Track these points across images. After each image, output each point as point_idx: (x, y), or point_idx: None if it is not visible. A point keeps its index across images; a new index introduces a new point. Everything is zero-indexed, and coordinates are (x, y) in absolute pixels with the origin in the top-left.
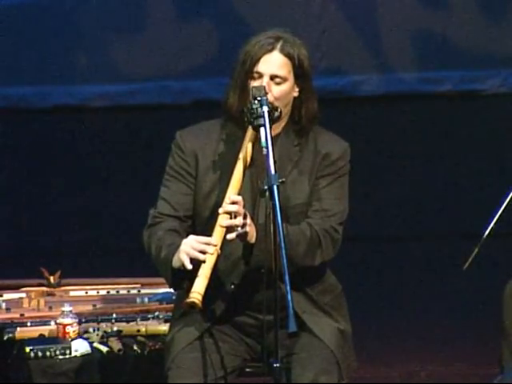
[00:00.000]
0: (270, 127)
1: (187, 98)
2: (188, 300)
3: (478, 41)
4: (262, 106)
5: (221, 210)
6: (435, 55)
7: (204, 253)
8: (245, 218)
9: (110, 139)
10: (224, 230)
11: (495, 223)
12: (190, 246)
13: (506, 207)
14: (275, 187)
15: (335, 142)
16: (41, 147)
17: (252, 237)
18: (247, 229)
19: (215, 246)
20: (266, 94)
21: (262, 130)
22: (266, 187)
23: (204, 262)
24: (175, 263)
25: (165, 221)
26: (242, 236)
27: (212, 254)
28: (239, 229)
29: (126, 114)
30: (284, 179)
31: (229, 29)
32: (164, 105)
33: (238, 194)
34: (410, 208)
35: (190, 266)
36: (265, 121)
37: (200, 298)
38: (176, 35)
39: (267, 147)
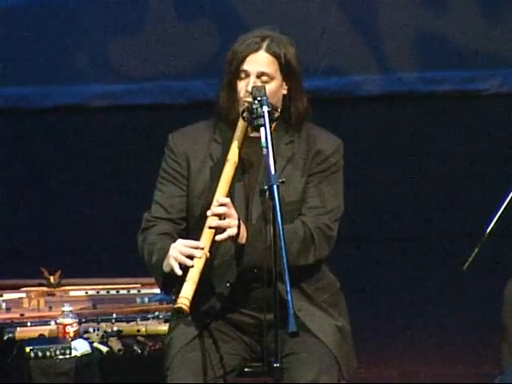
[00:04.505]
0: (270, 127)
1: (187, 98)
2: (175, 306)
3: (478, 41)
4: (261, 106)
5: (209, 213)
6: (435, 55)
7: (192, 257)
8: (234, 219)
9: (110, 139)
10: (213, 232)
11: (495, 223)
12: (178, 251)
13: (506, 207)
14: (275, 187)
15: (327, 138)
16: (41, 147)
17: (242, 237)
18: (235, 230)
19: (203, 249)
20: (266, 93)
21: (262, 129)
22: (266, 187)
23: (192, 266)
24: (165, 267)
25: (157, 224)
26: (232, 237)
27: (200, 257)
28: (229, 230)
29: (126, 113)
30: (284, 179)
31: (229, 29)
32: (164, 105)
33: (231, 194)
34: (409, 208)
35: (179, 272)
36: (265, 121)
37: (188, 303)
38: (176, 35)
39: (267, 147)
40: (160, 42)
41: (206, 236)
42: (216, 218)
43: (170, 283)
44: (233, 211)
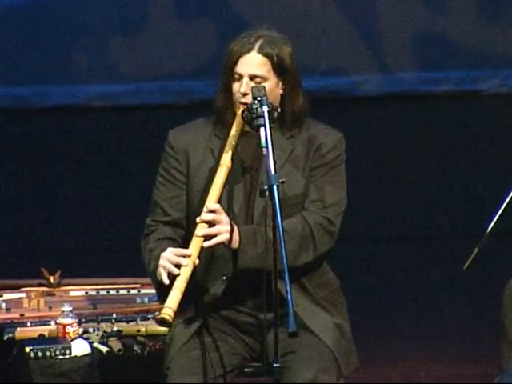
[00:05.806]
0: (270, 127)
1: (187, 98)
2: (158, 316)
3: (478, 41)
4: (261, 106)
5: (198, 220)
6: (435, 55)
7: (180, 265)
8: (224, 225)
9: (109, 139)
10: (201, 239)
11: (496, 223)
12: (166, 259)
13: (506, 207)
14: (275, 187)
15: (328, 132)
16: (41, 147)
17: (235, 242)
18: (226, 236)
19: (190, 256)
20: (266, 93)
21: (261, 130)
22: (266, 187)
23: (179, 274)
24: (158, 276)
25: (158, 228)
26: (223, 243)
27: (186, 265)
28: (218, 237)
29: (126, 114)
30: (284, 179)
31: (229, 29)
32: (164, 105)
33: (231, 194)
34: (409, 208)
35: (167, 282)
36: (265, 121)
37: (171, 313)
38: (176, 35)
39: (267, 147)
40: (160, 42)
41: (195, 243)
42: (205, 225)
43: (165, 291)
44: (223, 217)
